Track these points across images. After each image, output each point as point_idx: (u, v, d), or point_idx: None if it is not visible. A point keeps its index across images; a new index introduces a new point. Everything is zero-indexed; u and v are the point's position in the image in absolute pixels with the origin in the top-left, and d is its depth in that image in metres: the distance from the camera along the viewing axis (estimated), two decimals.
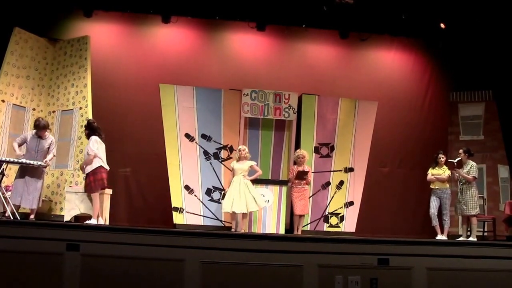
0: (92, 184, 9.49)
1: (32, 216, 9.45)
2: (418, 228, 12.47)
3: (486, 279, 6.99)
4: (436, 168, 10.63)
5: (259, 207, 10.54)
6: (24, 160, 9.25)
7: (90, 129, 9.65)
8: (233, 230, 10.37)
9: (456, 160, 10.41)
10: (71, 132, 11.24)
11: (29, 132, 9.72)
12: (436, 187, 10.55)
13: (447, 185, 10.58)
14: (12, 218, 8.90)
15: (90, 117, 11.03)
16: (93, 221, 9.37)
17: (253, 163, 10.71)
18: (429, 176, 10.66)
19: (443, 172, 10.55)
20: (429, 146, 12.38)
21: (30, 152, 9.40)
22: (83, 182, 9.77)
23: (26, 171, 9.32)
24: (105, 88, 11.93)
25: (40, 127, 9.48)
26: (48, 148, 9.60)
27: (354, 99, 11.96)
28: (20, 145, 9.52)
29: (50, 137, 9.74)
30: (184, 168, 11.14)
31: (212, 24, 12.83)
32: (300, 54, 13.19)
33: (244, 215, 10.36)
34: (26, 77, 11.34)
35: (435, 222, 10.58)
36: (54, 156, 9.92)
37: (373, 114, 11.81)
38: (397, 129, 13.09)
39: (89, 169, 9.49)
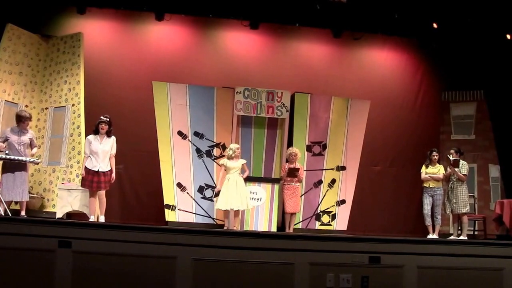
0: (109, 183, 9.80)
1: (23, 213, 9.44)
2: (410, 226, 12.54)
3: (476, 278, 7.05)
4: (430, 166, 10.66)
5: (248, 207, 10.58)
6: (17, 157, 9.25)
7: (110, 127, 9.79)
8: (225, 228, 10.39)
9: (453, 159, 10.42)
10: (63, 129, 11.23)
11: (7, 129, 9.69)
12: (430, 186, 10.58)
13: (441, 184, 10.63)
14: (4, 215, 8.89)
15: (83, 114, 11.03)
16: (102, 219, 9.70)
17: (244, 161, 10.73)
18: (424, 175, 10.67)
19: (438, 170, 10.58)
20: (421, 145, 12.42)
21: (14, 146, 9.37)
22: (102, 180, 9.71)
23: (12, 165, 9.31)
24: (98, 85, 11.90)
25: (25, 118, 9.52)
26: (30, 141, 9.58)
27: (347, 98, 11.98)
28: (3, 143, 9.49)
29: (30, 130, 9.74)
30: (176, 166, 11.14)
31: (206, 22, 12.82)
32: (293, 52, 13.21)
33: (236, 213, 10.37)
34: (19, 74, 11.32)
35: (429, 222, 10.60)
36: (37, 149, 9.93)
37: (365, 113, 11.84)
38: (389, 128, 13.13)
39: (108, 167, 9.71)
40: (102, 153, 9.62)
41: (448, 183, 10.56)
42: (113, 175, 9.78)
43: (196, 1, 12.16)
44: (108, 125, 9.72)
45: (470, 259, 7.13)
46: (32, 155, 9.63)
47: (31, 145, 9.63)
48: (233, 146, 10.63)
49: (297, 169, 10.80)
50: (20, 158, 9.29)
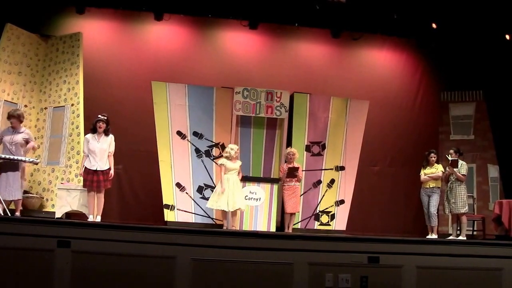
0: (109, 181, 9.78)
1: (17, 213, 9.39)
2: (409, 226, 12.53)
3: (475, 278, 7.06)
4: (428, 167, 10.65)
5: (245, 207, 10.59)
6: (17, 157, 9.24)
7: (108, 125, 9.79)
8: (225, 227, 10.39)
9: (452, 159, 10.42)
10: (62, 129, 11.23)
11: (4, 129, 9.67)
12: (429, 186, 10.56)
13: (440, 183, 10.62)
14: (3, 214, 8.88)
15: (82, 114, 11.03)
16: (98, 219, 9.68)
17: (240, 162, 10.75)
18: (423, 177, 10.63)
19: (436, 169, 10.58)
20: (419, 145, 12.41)
21: (6, 146, 9.32)
22: (102, 178, 9.68)
23: (7, 164, 9.26)
24: (97, 85, 11.89)
25: (10, 116, 9.41)
26: (26, 140, 9.46)
27: (346, 98, 11.99)
28: None
29: (25, 130, 9.62)
30: (175, 166, 11.14)
31: (205, 22, 12.81)
32: (292, 52, 13.20)
33: (234, 212, 10.36)
34: (18, 73, 11.31)
35: (435, 222, 10.57)
36: (35, 147, 9.89)
37: (364, 113, 11.84)
38: (388, 128, 13.13)
39: (107, 166, 9.68)
40: (100, 151, 9.62)
41: (447, 183, 10.56)
42: (112, 172, 9.75)
43: (195, 1, 12.16)
44: (106, 124, 9.72)
45: (469, 259, 7.14)
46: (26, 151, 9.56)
47: (27, 144, 9.57)
48: (234, 146, 10.60)
49: (296, 168, 10.79)
50: (20, 158, 9.28)
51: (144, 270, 6.38)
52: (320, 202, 11.59)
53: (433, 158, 10.64)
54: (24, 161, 9.40)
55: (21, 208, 9.60)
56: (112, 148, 9.75)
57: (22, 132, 9.48)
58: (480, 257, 7.19)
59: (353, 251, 6.86)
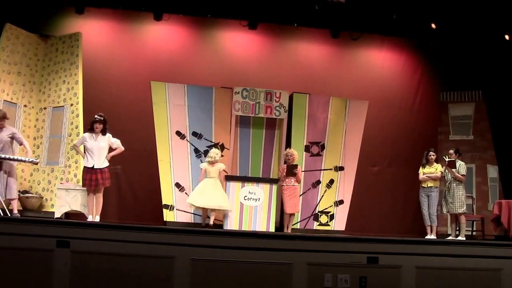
0: (108, 179, 9.76)
1: (15, 211, 9.35)
2: (408, 227, 12.52)
3: (475, 278, 7.06)
4: (427, 166, 10.65)
5: (229, 207, 10.54)
6: (17, 157, 9.21)
7: (105, 125, 9.76)
8: (203, 225, 10.36)
9: (448, 160, 10.43)
10: (62, 129, 11.23)
11: None
12: (428, 185, 10.57)
13: (438, 183, 10.63)
14: (2, 215, 8.87)
15: (81, 114, 11.04)
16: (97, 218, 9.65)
17: (223, 166, 10.69)
18: (421, 176, 10.64)
19: (435, 170, 10.58)
20: (419, 146, 12.40)
21: None
22: (100, 177, 9.65)
23: None
24: (96, 85, 11.89)
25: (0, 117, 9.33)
26: (12, 139, 9.36)
27: (345, 98, 12.00)
28: None
29: (8, 127, 9.48)
30: (174, 166, 11.15)
31: (204, 22, 12.81)
32: (292, 52, 13.20)
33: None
34: (17, 73, 11.30)
35: (429, 222, 10.58)
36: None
37: (363, 113, 11.85)
38: (387, 128, 13.12)
39: (105, 164, 9.68)
40: (98, 150, 9.60)
41: (445, 183, 10.57)
42: (111, 153, 9.78)
43: (195, 1, 12.15)
44: (103, 124, 9.71)
45: (468, 260, 7.15)
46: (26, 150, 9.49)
47: (17, 141, 9.50)
48: (214, 151, 10.61)
49: (295, 166, 10.73)
50: (20, 158, 9.27)
51: (143, 270, 6.38)
52: (319, 202, 11.60)
53: (432, 157, 10.64)
54: (24, 161, 9.39)
55: (20, 208, 9.59)
56: (117, 143, 9.78)
57: (6, 130, 9.36)
58: (479, 257, 7.19)
59: (352, 252, 6.86)
